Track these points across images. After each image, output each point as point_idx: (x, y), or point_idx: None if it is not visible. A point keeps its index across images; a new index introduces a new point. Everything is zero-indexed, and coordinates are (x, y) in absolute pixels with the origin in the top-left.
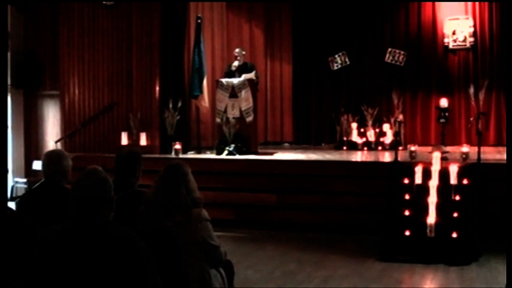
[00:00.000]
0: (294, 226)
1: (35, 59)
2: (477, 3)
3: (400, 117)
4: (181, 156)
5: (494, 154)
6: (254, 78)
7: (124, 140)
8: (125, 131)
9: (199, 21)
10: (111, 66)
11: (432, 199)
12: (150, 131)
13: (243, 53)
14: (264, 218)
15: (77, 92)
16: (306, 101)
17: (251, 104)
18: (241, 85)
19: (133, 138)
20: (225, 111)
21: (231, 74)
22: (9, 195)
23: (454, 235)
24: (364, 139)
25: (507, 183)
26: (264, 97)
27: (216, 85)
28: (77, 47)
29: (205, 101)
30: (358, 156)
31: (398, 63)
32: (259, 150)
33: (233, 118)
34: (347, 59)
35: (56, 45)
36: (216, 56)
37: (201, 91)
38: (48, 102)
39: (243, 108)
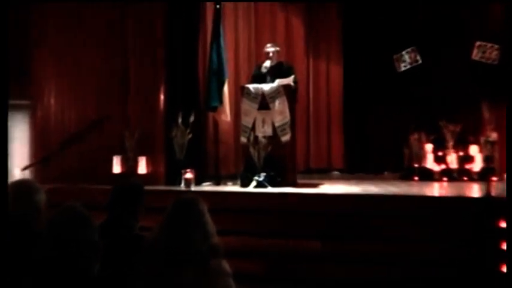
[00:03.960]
0: (346, 285)
1: None
2: None
3: (493, 135)
4: (194, 188)
5: None
6: (292, 83)
7: (117, 166)
8: (118, 154)
9: (218, 6)
10: (100, 69)
11: None
12: (152, 155)
13: (277, 49)
14: (305, 273)
15: (53, 101)
16: (362, 114)
17: (288, 118)
18: (275, 93)
19: (130, 164)
20: (253, 128)
21: (260, 78)
22: None
23: None
24: (442, 166)
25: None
26: (305, 109)
27: (241, 93)
28: (53, 45)
29: (226, 114)
30: (434, 190)
31: (490, 61)
32: (299, 181)
33: (263, 137)
34: (418, 57)
35: (26, 43)
36: (240, 54)
37: (221, 101)
38: (14, 115)
39: (276, 124)
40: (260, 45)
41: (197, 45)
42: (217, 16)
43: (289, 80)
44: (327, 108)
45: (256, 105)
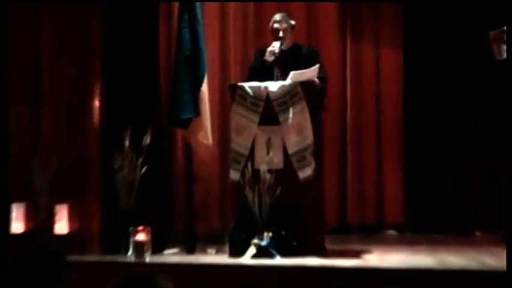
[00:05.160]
0: None
1: None
2: None
3: None
4: (150, 259)
5: None
6: (316, 79)
7: (18, 222)
8: (21, 200)
9: None
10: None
11: None
12: (80, 201)
13: (292, 23)
14: None
15: None
16: (436, 133)
17: (310, 140)
18: (288, 96)
19: (41, 218)
20: (251, 156)
21: (264, 71)
22: None
23: None
24: None
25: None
26: (338, 123)
27: (230, 97)
28: None
29: (205, 133)
30: None
31: None
32: (329, 247)
33: (269, 172)
34: None
35: None
36: (230, 35)
37: (197, 112)
38: None
39: (291, 150)
40: (264, 22)
41: (156, 27)
42: None
43: (312, 73)
44: (376, 122)
45: (256, 117)
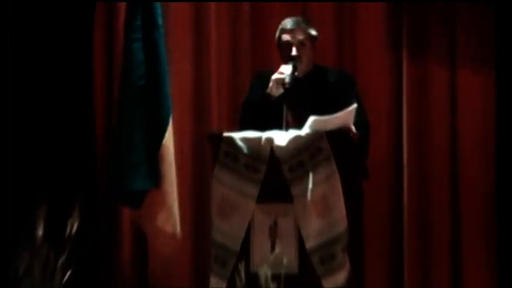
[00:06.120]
0: None
1: None
2: None
3: None
4: None
5: None
6: (351, 127)
7: None
8: None
9: None
10: None
11: None
12: None
13: (313, 34)
14: None
15: None
16: None
17: (342, 227)
18: (306, 154)
19: None
20: (243, 253)
21: (265, 112)
22: None
23: None
24: None
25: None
26: (388, 194)
27: (212, 153)
28: None
29: (170, 215)
30: None
31: None
32: None
33: (274, 279)
34: None
35: None
36: (208, 50)
37: (156, 181)
38: None
39: (311, 242)
40: (265, 27)
41: (88, 54)
42: None
43: (345, 117)
44: (450, 189)
45: (253, 190)
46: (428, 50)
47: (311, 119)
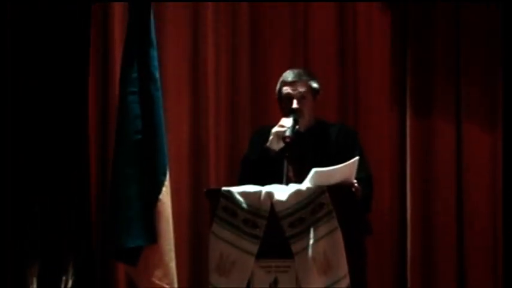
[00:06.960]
0: None
1: None
2: None
3: None
4: None
5: None
6: (354, 182)
7: None
8: None
9: None
10: None
11: None
12: None
13: (314, 86)
14: None
15: None
16: None
17: (344, 284)
18: (307, 209)
19: None
20: None
21: (265, 167)
22: None
23: None
24: None
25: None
26: (391, 251)
27: (210, 208)
28: None
29: (167, 271)
30: None
31: None
32: None
33: None
34: None
35: None
36: (204, 84)
37: (151, 236)
38: None
39: None
40: (264, 73)
41: (83, 87)
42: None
43: (348, 171)
44: (457, 254)
45: (253, 246)
46: (432, 105)
47: (313, 171)
